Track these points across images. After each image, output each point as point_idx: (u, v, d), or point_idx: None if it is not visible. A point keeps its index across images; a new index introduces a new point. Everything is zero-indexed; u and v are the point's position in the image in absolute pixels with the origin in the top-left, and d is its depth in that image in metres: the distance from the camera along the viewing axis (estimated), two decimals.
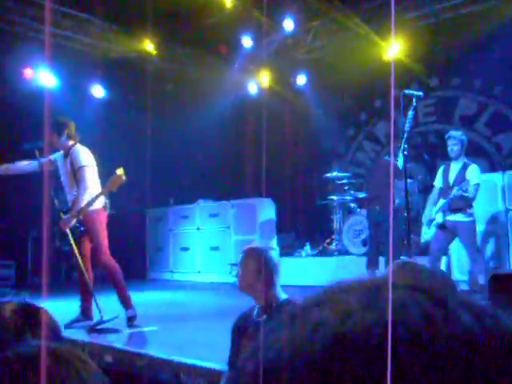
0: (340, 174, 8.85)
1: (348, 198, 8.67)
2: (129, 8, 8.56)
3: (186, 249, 10.16)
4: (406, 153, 4.58)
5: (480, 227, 6.63)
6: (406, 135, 4.63)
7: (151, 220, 10.88)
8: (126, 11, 8.77)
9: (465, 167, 5.94)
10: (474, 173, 5.84)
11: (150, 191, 9.81)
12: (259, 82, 10.42)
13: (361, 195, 8.43)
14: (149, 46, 9.70)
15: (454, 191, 5.69)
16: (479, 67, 8.63)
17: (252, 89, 10.55)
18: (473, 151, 8.80)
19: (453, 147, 5.96)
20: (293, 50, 10.50)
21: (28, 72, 8.94)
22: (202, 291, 8.41)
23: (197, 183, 10.61)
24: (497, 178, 7.04)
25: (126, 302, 5.34)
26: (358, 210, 8.39)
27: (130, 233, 10.10)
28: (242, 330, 2.89)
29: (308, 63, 10.45)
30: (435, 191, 6.15)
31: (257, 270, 2.86)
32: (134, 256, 10.25)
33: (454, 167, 6.01)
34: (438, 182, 6.15)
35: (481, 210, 6.50)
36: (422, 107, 9.40)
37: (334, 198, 8.81)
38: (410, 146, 5.33)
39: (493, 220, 6.91)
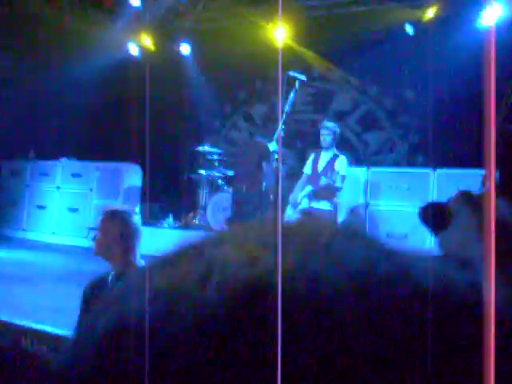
0: (212, 150, 8.78)
1: (217, 174, 8.63)
2: None
3: (42, 207, 9.58)
4: (282, 133, 4.59)
5: (341, 218, 6.88)
6: (284, 116, 4.65)
7: (7, 172, 10.09)
8: None
9: (334, 158, 6.13)
10: (342, 164, 6.05)
11: (8, 140, 9.12)
12: (141, 44, 10.03)
13: (230, 173, 8.43)
14: None
15: (323, 180, 5.84)
16: (359, 66, 8.96)
17: (133, 50, 10.13)
18: (342, 145, 9.14)
19: (326, 137, 6.13)
20: (180, 17, 10.21)
21: None
22: (55, 253, 7.99)
23: (62, 140, 10.02)
24: (361, 173, 7.34)
25: None
26: (226, 187, 8.38)
27: None
28: (93, 296, 2.72)
29: (194, 34, 10.23)
30: (304, 177, 6.30)
31: (116, 232, 2.72)
32: None
33: (325, 156, 6.18)
34: (307, 169, 6.30)
35: (343, 202, 6.75)
36: (301, 96, 9.56)
37: (203, 172, 8.73)
38: (284, 131, 5.40)
39: (352, 212, 7.21)
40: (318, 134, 6.58)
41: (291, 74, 4.72)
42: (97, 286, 2.75)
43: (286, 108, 4.55)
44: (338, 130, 6.29)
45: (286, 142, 8.30)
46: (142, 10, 9.70)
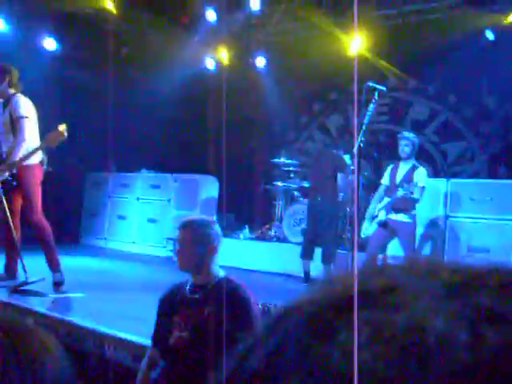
0: (288, 161, 8.80)
1: (293, 185, 8.64)
2: None
3: (122, 217, 9.91)
4: (362, 145, 4.53)
5: (419, 230, 6.73)
6: (364, 127, 4.60)
7: (90, 184, 10.52)
8: None
9: (413, 169, 6.00)
10: (421, 176, 5.91)
11: (93, 154, 9.50)
12: (218, 58, 10.24)
13: (306, 184, 8.42)
14: (108, 3, 9.32)
15: (400, 191, 5.72)
16: (436, 74, 8.77)
17: (210, 64, 10.35)
18: (420, 156, 8.95)
19: (404, 147, 6.02)
20: (256, 30, 10.35)
21: None
22: (135, 262, 8.23)
23: (141, 152, 10.33)
24: (441, 184, 7.15)
25: (54, 266, 5.13)
26: (302, 199, 8.38)
27: (66, 194, 9.74)
28: (170, 305, 2.75)
29: (269, 46, 10.33)
30: (381, 188, 6.20)
31: (193, 242, 2.71)
32: (69, 219, 9.91)
33: (403, 167, 6.07)
34: (385, 180, 6.19)
35: (422, 214, 6.60)
36: (378, 105, 9.42)
37: (279, 183, 8.77)
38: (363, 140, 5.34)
39: (432, 224, 7.04)
40: (394, 145, 6.48)
41: (370, 84, 4.66)
42: (174, 295, 2.77)
43: (366, 119, 4.49)
44: (416, 140, 6.16)
45: (363, 153, 8.20)
46: (218, 25, 9.90)
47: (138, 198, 9.74)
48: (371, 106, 4.59)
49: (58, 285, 5.09)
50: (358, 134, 4.40)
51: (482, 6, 7.88)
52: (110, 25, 9.70)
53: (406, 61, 8.82)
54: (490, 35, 7.95)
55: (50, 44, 9.51)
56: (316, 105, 10.51)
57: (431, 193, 6.79)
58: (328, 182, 6.62)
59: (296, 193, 8.64)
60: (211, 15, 9.71)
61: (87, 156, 9.72)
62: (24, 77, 6.95)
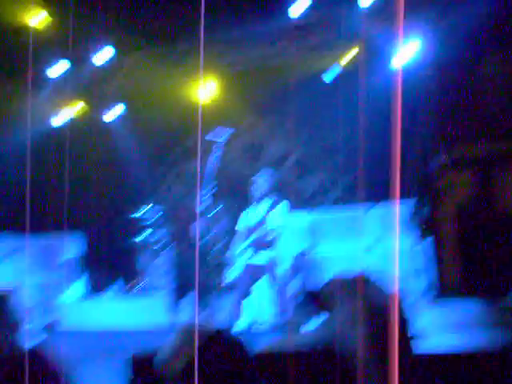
0: (148, 214, 8.68)
1: (156, 237, 8.52)
2: None
3: None
4: (208, 196, 4.57)
5: (284, 266, 6.82)
6: (206, 179, 4.66)
7: None
8: None
9: (270, 208, 6.11)
10: (278, 213, 6.03)
11: None
12: (68, 113, 9.94)
13: (167, 235, 8.35)
14: None
15: (258, 233, 5.81)
16: (286, 114, 9.13)
17: (58, 121, 9.99)
18: (279, 193, 9.20)
19: (256, 189, 6.12)
20: (106, 82, 10.19)
21: None
22: None
23: None
24: (299, 219, 7.35)
25: None
26: (164, 249, 8.28)
27: None
28: None
29: (121, 97, 10.22)
30: (238, 233, 6.25)
31: None
32: None
33: (259, 209, 6.17)
34: (241, 224, 6.26)
35: (285, 250, 6.71)
36: (231, 151, 9.60)
37: (141, 237, 8.62)
38: (217, 188, 5.37)
39: (296, 259, 7.16)
40: (252, 187, 6.58)
41: (207, 138, 4.74)
42: None
43: (208, 169, 4.55)
44: (269, 180, 6.31)
45: (221, 199, 8.29)
46: (65, 80, 9.64)
47: None
48: (211, 159, 4.68)
49: None
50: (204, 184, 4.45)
51: (318, 51, 8.40)
52: None
53: (255, 104, 9.12)
54: (327, 77, 8.47)
55: None
56: (172, 153, 10.47)
57: (292, 228, 6.95)
58: (184, 233, 6.60)
59: (159, 244, 8.51)
60: (57, 70, 9.44)
61: None
62: None
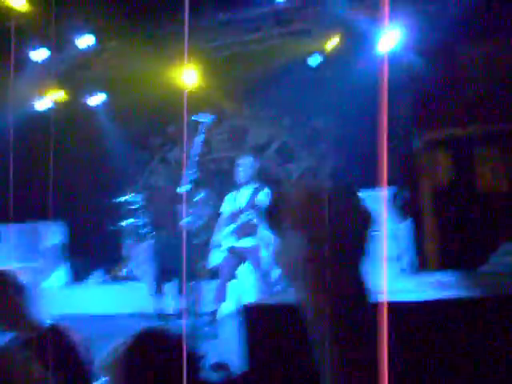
0: (132, 199, 8.65)
1: (140, 223, 8.50)
2: None
3: None
4: (196, 176, 4.59)
5: (269, 252, 6.90)
6: (190, 161, 4.68)
7: None
8: None
9: (255, 192, 6.15)
10: (263, 198, 6.07)
11: None
12: (50, 98, 9.85)
13: (151, 220, 8.36)
14: None
15: (243, 217, 5.84)
16: (269, 100, 9.16)
17: (42, 105, 9.91)
18: (266, 177, 9.24)
19: (240, 173, 6.16)
20: (87, 68, 10.12)
21: None
22: None
23: None
24: None
25: None
26: (149, 235, 8.27)
27: None
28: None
29: (103, 83, 10.16)
30: (223, 217, 6.28)
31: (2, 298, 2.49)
32: None
33: (244, 193, 6.20)
34: (225, 208, 6.28)
35: (269, 235, 6.77)
36: (216, 134, 9.62)
37: (125, 222, 8.58)
38: (203, 172, 5.39)
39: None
40: (236, 171, 6.61)
41: (193, 118, 4.74)
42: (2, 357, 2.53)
43: (194, 151, 4.56)
44: (253, 164, 6.34)
45: (206, 183, 8.30)
46: (47, 65, 9.55)
47: None
48: (197, 139, 4.68)
49: None
50: (188, 167, 4.46)
51: (303, 36, 8.42)
52: None
53: (239, 89, 9.13)
54: (312, 62, 8.48)
55: None
56: (156, 139, 10.46)
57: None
58: (167, 217, 6.62)
59: (143, 230, 8.50)
60: (39, 55, 9.35)
61: None
62: None
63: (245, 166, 6.20)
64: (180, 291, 6.62)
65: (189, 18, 7.66)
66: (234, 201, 6.21)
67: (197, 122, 4.65)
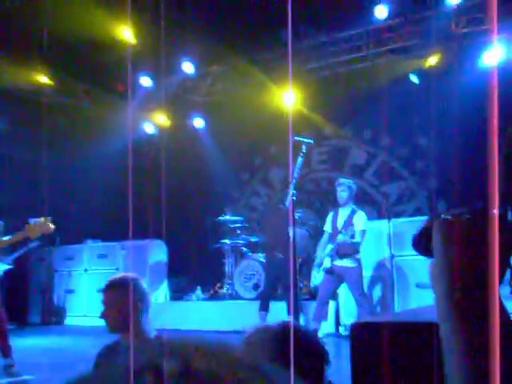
0: (233, 218, 8.83)
1: (240, 242, 8.64)
2: (23, 36, 8.22)
3: (71, 291, 9.64)
4: (294, 198, 4.62)
5: (368, 272, 6.81)
6: (294, 181, 4.70)
7: (34, 260, 10.18)
8: (19, 39, 8.40)
9: (352, 213, 6.10)
10: (360, 219, 6.02)
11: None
12: (156, 122, 10.32)
13: (253, 239, 8.45)
14: (42, 78, 9.33)
15: (341, 237, 5.80)
16: (369, 119, 9.07)
17: (148, 129, 10.40)
18: (362, 199, 9.12)
19: (341, 193, 6.13)
20: (191, 92, 10.52)
21: None
22: (87, 336, 7.95)
23: (85, 222, 10.16)
24: (383, 225, 7.27)
25: (7, 352, 5.05)
26: (250, 254, 8.37)
27: (10, 272, 9.43)
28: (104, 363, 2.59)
29: (206, 107, 10.51)
30: (325, 236, 6.26)
31: (117, 301, 2.53)
32: (15, 298, 9.55)
33: (342, 213, 6.16)
34: (327, 227, 6.27)
35: (368, 256, 6.68)
36: (316, 155, 9.66)
37: (227, 241, 8.75)
38: (302, 192, 5.43)
39: (379, 266, 7.11)
40: (335, 192, 6.59)
41: (296, 139, 4.77)
42: (108, 359, 2.60)
43: (296, 172, 4.60)
44: (353, 185, 6.29)
45: (305, 202, 8.32)
46: (154, 90, 10.02)
47: (85, 270, 9.52)
48: (299, 160, 4.71)
49: (9, 368, 4.98)
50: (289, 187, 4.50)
51: (404, 53, 8.30)
52: (46, 98, 9.69)
53: (339, 109, 9.12)
54: (414, 79, 8.33)
55: None
56: (257, 159, 10.65)
57: (376, 234, 6.90)
58: (283, 238, 6.63)
59: (244, 248, 8.62)
60: (146, 81, 9.84)
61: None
62: None
63: (344, 186, 6.16)
64: (287, 309, 6.62)
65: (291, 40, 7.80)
66: (333, 221, 6.18)
67: (298, 143, 4.68)
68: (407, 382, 2.22)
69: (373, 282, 7.10)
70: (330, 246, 6.04)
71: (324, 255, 6.05)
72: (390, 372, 2.21)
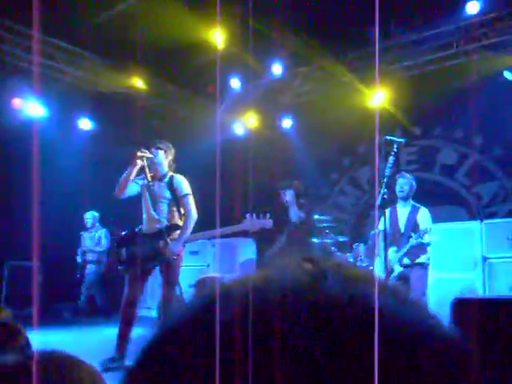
0: (321, 218, 8.87)
1: (328, 241, 8.67)
2: (120, 44, 8.68)
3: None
4: (385, 197, 4.62)
5: (458, 274, 6.69)
6: (386, 180, 4.68)
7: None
8: (117, 47, 8.89)
9: (415, 211, 5.85)
10: (426, 218, 5.78)
11: None
12: (245, 123, 10.55)
13: (341, 239, 8.47)
14: (138, 82, 9.82)
15: (412, 241, 5.57)
16: (460, 118, 8.85)
17: (238, 130, 10.66)
18: (453, 200, 8.93)
19: (404, 186, 5.89)
20: (280, 93, 10.68)
21: (17, 102, 8.96)
22: None
23: None
24: (475, 226, 7.12)
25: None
26: (338, 253, 8.39)
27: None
28: None
29: (294, 107, 10.63)
30: (381, 235, 5.78)
31: None
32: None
33: (402, 211, 5.90)
34: (382, 226, 5.77)
35: (458, 258, 6.57)
36: (405, 155, 9.54)
37: (315, 240, 8.80)
38: (391, 191, 5.32)
39: (470, 267, 6.96)
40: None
41: (388, 138, 4.75)
42: None
43: (387, 171, 4.59)
44: (414, 182, 6.06)
45: (395, 202, 8.24)
46: (243, 92, 10.26)
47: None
48: (391, 159, 4.68)
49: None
50: (380, 187, 4.49)
51: (497, 50, 8.05)
52: (140, 101, 10.17)
53: (429, 108, 8.97)
54: (508, 75, 8.07)
55: (85, 124, 10.02)
56: (345, 159, 10.65)
57: (466, 235, 6.77)
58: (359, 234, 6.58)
59: (332, 248, 8.64)
60: (235, 83, 10.10)
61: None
62: (65, 157, 7.22)
63: (408, 179, 5.96)
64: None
65: (379, 38, 7.79)
66: (392, 219, 5.84)
67: (388, 143, 4.67)
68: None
69: (462, 284, 6.95)
70: (393, 249, 5.76)
71: (393, 260, 5.75)
72: (493, 349, 2.17)
